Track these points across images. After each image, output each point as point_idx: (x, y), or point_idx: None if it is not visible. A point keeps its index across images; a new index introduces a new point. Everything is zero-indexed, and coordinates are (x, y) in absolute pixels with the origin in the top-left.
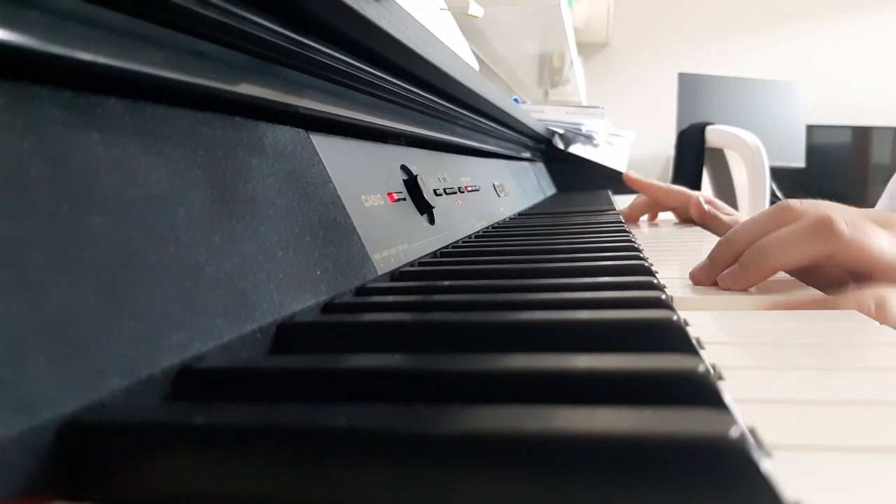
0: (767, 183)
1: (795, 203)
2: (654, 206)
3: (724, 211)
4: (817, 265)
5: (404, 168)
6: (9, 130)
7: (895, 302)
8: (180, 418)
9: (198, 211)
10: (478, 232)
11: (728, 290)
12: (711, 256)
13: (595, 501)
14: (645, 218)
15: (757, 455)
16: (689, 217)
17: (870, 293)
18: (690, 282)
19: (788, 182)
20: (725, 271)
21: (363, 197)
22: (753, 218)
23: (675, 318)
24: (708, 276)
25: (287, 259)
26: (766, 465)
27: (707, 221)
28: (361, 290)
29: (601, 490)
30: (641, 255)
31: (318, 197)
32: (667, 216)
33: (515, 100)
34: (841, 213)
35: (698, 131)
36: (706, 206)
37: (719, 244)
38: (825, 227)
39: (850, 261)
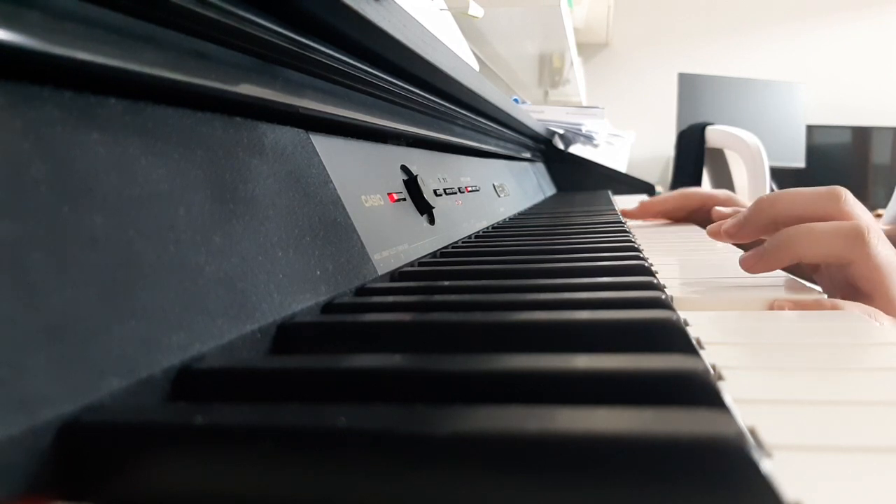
0: (767, 183)
1: (849, 195)
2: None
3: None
4: (828, 266)
5: (404, 168)
6: (9, 131)
7: (884, 320)
8: (180, 419)
9: (198, 211)
10: (478, 232)
11: (747, 270)
12: (746, 216)
13: (595, 502)
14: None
15: (757, 455)
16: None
17: (864, 308)
18: (742, 269)
19: (789, 182)
20: (749, 253)
21: (363, 197)
22: (800, 191)
23: (674, 318)
24: (742, 235)
25: (287, 259)
26: (766, 466)
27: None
28: (361, 291)
29: (601, 490)
30: (641, 255)
31: (317, 197)
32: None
33: (515, 100)
34: (877, 233)
35: (698, 132)
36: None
37: (757, 204)
38: (858, 235)
39: (862, 274)
